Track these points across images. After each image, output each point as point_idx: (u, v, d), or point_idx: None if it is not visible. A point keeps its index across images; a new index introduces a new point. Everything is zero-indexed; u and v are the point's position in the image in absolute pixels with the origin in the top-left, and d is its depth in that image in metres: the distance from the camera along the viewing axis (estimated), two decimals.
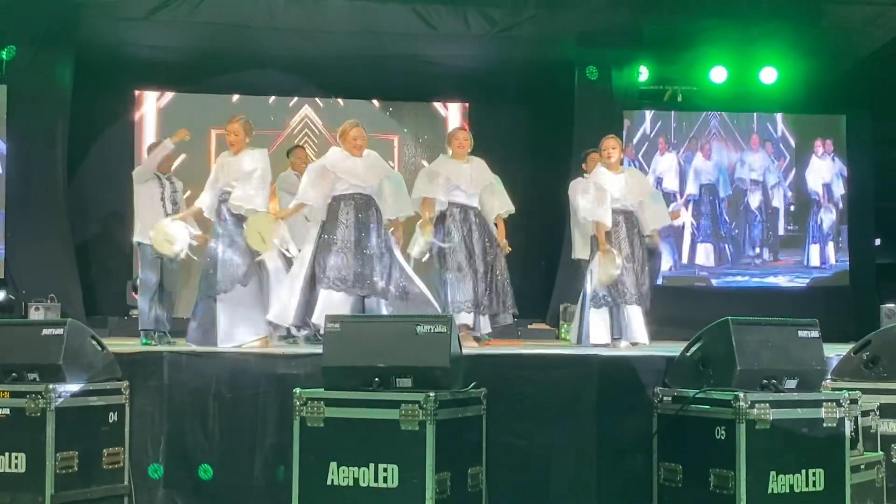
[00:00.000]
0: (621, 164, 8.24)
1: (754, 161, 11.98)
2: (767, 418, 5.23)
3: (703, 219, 11.93)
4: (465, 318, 7.78)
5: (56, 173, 10.64)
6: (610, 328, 7.91)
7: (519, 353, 6.83)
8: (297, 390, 5.39)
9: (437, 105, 12.09)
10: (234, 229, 7.36)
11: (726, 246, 11.93)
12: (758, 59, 11.76)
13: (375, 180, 7.44)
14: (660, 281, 11.46)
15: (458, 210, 7.92)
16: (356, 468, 5.17)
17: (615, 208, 7.96)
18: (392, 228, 7.57)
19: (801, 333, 5.58)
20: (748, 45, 11.51)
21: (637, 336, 7.88)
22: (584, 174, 9.68)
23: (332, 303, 7.23)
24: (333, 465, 5.21)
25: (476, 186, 7.95)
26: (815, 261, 12.02)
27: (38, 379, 5.72)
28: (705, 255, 11.88)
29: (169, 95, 11.55)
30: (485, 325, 7.94)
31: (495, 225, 8.05)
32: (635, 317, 7.90)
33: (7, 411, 5.65)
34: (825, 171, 12.10)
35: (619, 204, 7.96)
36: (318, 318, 7.21)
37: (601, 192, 7.91)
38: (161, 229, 7.57)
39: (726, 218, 11.91)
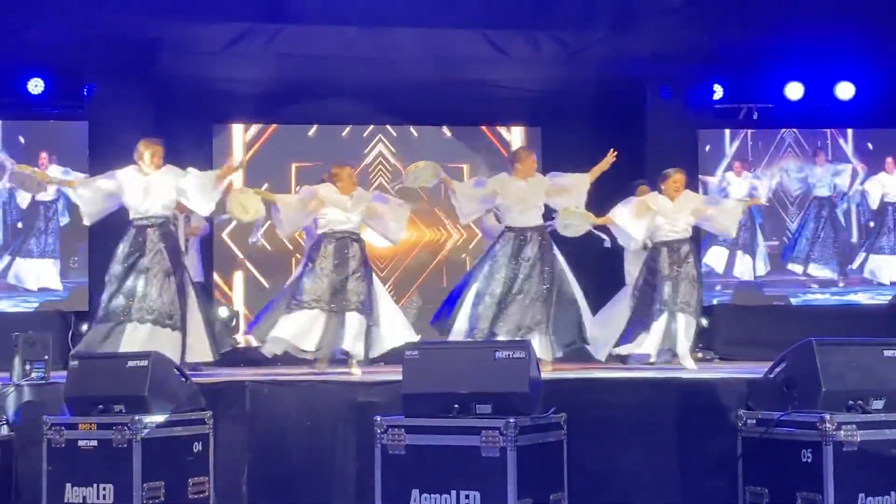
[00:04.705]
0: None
1: (824, 176, 11.79)
2: (855, 440, 5.16)
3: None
4: None
5: None
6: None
7: (598, 376, 6.82)
8: (378, 418, 5.43)
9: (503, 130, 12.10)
10: None
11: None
12: (834, 73, 11.60)
13: None
14: (734, 300, 11.35)
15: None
16: (438, 495, 5.19)
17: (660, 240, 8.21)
18: None
19: (887, 353, 5.51)
20: (823, 60, 11.35)
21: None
22: None
23: None
24: (416, 492, 5.24)
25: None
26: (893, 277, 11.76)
27: (123, 410, 5.82)
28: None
29: (245, 129, 11.66)
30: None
31: None
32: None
33: (94, 443, 5.76)
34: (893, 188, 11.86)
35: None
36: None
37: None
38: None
39: (787, 234, 11.72)
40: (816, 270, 11.66)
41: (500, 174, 8.39)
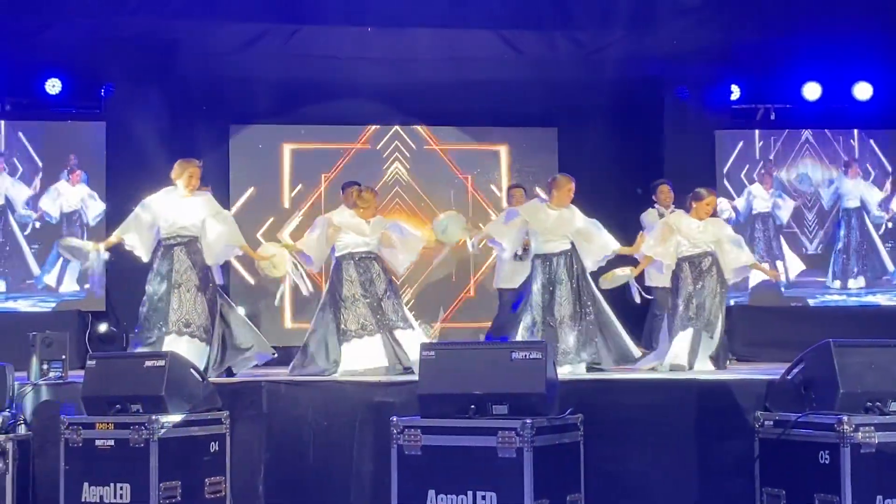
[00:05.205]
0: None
1: (854, 188, 11.71)
2: (873, 442, 5.13)
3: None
4: None
5: None
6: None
7: (616, 377, 6.80)
8: (394, 418, 5.43)
9: (525, 130, 12.05)
10: None
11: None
12: (852, 74, 11.55)
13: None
14: (752, 301, 11.32)
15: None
16: (454, 496, 5.19)
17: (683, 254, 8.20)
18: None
19: None
20: (841, 61, 11.31)
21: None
22: (655, 205, 9.62)
23: None
24: (432, 492, 5.24)
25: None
26: None
27: (141, 410, 5.85)
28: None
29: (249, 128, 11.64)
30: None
31: None
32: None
33: (112, 442, 5.79)
34: None
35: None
36: None
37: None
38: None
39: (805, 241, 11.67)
40: (853, 283, 11.61)
41: (532, 201, 8.46)
